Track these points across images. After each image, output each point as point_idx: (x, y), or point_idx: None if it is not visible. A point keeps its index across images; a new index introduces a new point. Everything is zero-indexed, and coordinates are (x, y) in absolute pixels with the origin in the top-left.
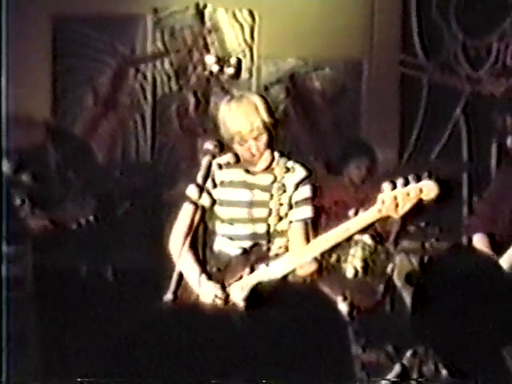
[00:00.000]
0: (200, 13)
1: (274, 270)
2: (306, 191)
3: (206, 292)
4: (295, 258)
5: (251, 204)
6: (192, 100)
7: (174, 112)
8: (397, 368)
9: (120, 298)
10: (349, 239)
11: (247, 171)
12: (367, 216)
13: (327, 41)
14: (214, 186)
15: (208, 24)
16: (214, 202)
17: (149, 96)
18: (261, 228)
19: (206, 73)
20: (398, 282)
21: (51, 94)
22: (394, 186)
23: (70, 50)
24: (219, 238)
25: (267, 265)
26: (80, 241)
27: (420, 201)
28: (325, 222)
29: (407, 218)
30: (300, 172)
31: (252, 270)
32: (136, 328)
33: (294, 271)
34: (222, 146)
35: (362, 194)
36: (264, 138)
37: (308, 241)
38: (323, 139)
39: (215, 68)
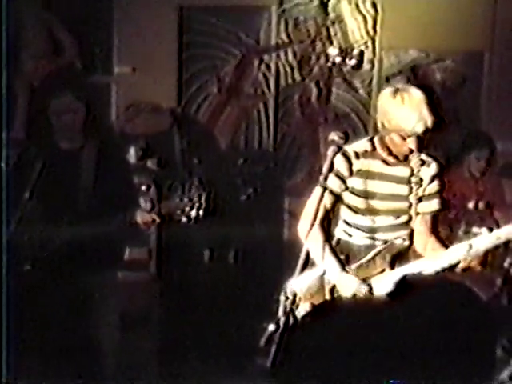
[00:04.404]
0: (324, 4)
1: (419, 268)
2: (436, 184)
3: (346, 284)
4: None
5: (390, 196)
6: (314, 90)
7: (297, 102)
8: None
9: (241, 280)
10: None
11: (384, 162)
12: None
13: (448, 33)
14: (351, 174)
15: (331, 15)
16: (345, 189)
17: (272, 86)
18: (401, 220)
19: (329, 64)
20: None
21: (177, 82)
22: None
23: (195, 40)
24: (342, 225)
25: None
26: (203, 225)
27: None
28: (442, 214)
29: None
30: (434, 165)
31: (393, 264)
32: (256, 314)
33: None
34: (347, 137)
35: (482, 187)
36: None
37: (434, 234)
38: (443, 130)
39: (338, 59)
